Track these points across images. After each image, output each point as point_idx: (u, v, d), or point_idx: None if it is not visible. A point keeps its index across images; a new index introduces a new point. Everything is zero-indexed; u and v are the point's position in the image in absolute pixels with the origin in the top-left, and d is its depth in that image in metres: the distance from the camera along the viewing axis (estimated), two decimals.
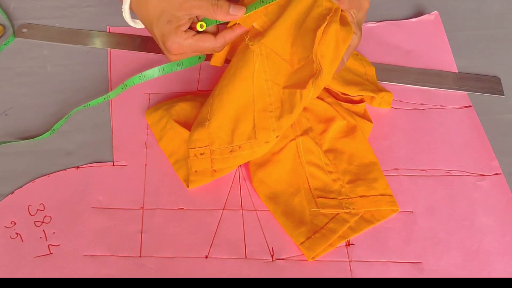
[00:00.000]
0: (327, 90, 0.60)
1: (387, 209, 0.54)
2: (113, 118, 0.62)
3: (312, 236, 0.51)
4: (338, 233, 0.51)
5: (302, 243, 0.51)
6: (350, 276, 0.50)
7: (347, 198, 0.53)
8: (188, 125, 0.57)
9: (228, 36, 0.55)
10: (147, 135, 0.60)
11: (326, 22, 0.51)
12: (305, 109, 0.58)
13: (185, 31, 0.53)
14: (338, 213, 0.53)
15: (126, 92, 0.64)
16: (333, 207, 0.53)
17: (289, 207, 0.54)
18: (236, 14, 0.53)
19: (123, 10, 0.56)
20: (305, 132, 0.57)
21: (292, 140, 0.57)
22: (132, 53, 0.68)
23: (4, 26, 0.71)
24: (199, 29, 0.54)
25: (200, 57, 0.61)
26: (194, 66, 0.66)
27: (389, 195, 0.54)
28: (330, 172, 0.55)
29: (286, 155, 0.56)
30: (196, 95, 0.63)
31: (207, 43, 0.54)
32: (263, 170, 0.56)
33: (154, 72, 0.61)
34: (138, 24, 0.59)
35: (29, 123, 0.61)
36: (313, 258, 0.51)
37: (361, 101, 0.61)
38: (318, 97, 0.58)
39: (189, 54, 0.55)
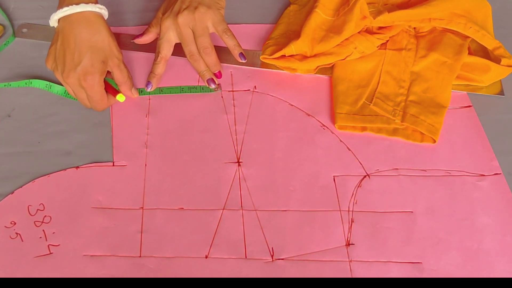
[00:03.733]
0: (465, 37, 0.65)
1: (427, 134, 0.59)
2: (113, 118, 0.62)
3: (352, 115, 0.60)
4: (374, 125, 0.59)
5: (339, 113, 0.60)
6: (350, 276, 0.50)
7: (400, 111, 0.60)
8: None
9: (113, 102, 0.62)
10: (147, 135, 0.60)
11: None
12: (421, 35, 0.66)
13: (102, 80, 0.59)
14: (384, 115, 0.60)
15: None
16: (383, 109, 0.60)
17: (349, 90, 0.62)
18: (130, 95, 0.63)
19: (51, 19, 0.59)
20: (400, 49, 0.65)
21: (382, 49, 0.65)
22: (132, 53, 0.68)
23: (4, 26, 0.71)
24: (118, 99, 0.60)
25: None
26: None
27: (436, 129, 0.59)
28: (402, 87, 0.62)
29: (371, 58, 0.65)
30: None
31: (102, 102, 0.60)
32: (348, 61, 0.64)
33: (59, 90, 0.64)
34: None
35: (30, 123, 0.61)
36: (340, 127, 0.60)
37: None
38: (451, 32, 0.65)
39: (81, 93, 0.59)
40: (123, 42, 0.69)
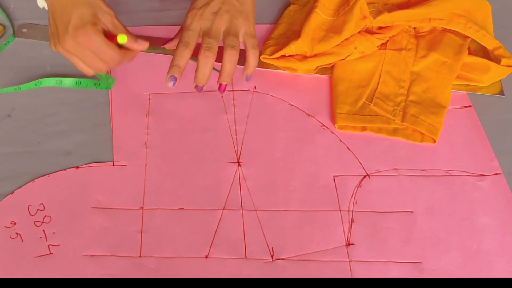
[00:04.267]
0: (465, 37, 0.65)
1: (427, 134, 0.59)
2: (113, 118, 0.62)
3: (352, 115, 0.60)
4: (374, 125, 0.59)
5: (339, 113, 0.60)
6: (350, 276, 0.50)
7: (400, 111, 0.60)
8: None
9: (129, 55, 0.56)
10: (147, 135, 0.60)
11: None
12: (421, 35, 0.66)
13: (99, 30, 0.54)
14: (384, 115, 0.60)
15: (126, 92, 0.64)
16: (383, 109, 0.60)
17: (349, 90, 0.62)
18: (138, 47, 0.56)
19: None
20: (400, 49, 0.65)
21: (382, 49, 0.65)
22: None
23: (4, 26, 0.71)
24: (119, 41, 0.53)
25: (109, 83, 0.63)
26: (193, 66, 0.66)
27: (436, 129, 0.59)
28: (402, 87, 0.62)
29: (371, 58, 0.65)
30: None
31: (111, 50, 0.54)
32: (348, 61, 0.64)
33: (70, 82, 0.63)
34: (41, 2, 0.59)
35: (30, 123, 0.61)
36: (340, 127, 0.60)
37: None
38: (451, 32, 0.65)
39: (86, 54, 0.54)
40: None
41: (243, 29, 0.57)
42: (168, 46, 0.60)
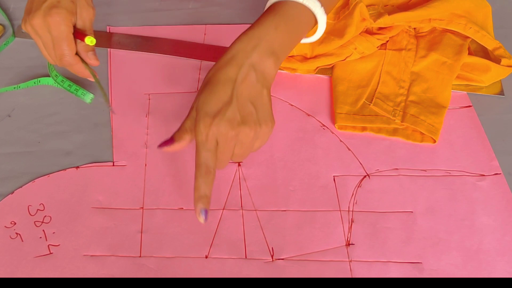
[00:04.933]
0: (465, 37, 0.65)
1: (427, 134, 0.59)
2: (113, 118, 0.62)
3: (352, 115, 0.60)
4: (374, 125, 0.60)
5: (339, 113, 0.60)
6: (350, 276, 0.50)
7: (400, 111, 0.60)
8: None
9: (77, 67, 0.56)
10: (147, 135, 0.60)
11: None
12: (421, 36, 0.66)
13: (71, 21, 0.54)
14: (384, 115, 0.60)
15: (126, 92, 0.64)
16: (383, 109, 0.60)
17: (349, 90, 0.63)
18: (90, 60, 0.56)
19: None
20: (400, 49, 0.65)
21: (382, 49, 0.65)
22: (132, 53, 0.68)
23: (4, 26, 0.71)
24: (87, 41, 0.54)
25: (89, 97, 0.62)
26: (194, 66, 0.67)
27: (436, 129, 0.59)
28: (402, 87, 0.62)
29: (371, 58, 0.65)
30: None
31: (68, 46, 0.54)
32: (348, 61, 0.65)
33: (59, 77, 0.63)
34: None
35: (30, 123, 0.61)
36: (340, 127, 0.60)
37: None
38: (451, 32, 0.65)
39: (46, 38, 0.54)
40: (123, 42, 0.69)
41: (259, 139, 0.49)
42: (166, 150, 0.50)
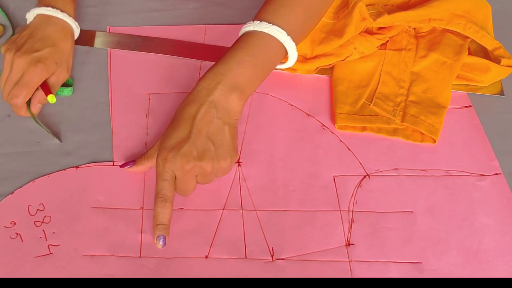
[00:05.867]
0: (465, 37, 0.65)
1: (427, 134, 0.59)
2: (113, 118, 0.62)
3: (352, 115, 0.60)
4: (374, 125, 0.59)
5: (339, 113, 0.60)
6: (350, 276, 0.50)
7: (400, 111, 0.60)
8: None
9: (20, 108, 0.60)
10: (147, 135, 0.60)
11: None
12: (421, 36, 0.66)
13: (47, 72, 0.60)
14: (384, 115, 0.60)
15: (126, 92, 0.64)
16: (383, 109, 0.60)
17: (349, 90, 0.62)
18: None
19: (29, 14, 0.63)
20: (400, 49, 0.65)
21: (382, 49, 0.65)
22: (132, 53, 0.68)
23: (4, 26, 0.71)
24: (49, 99, 0.60)
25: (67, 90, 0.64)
26: (194, 66, 0.67)
27: (436, 129, 0.59)
28: (402, 87, 0.62)
29: (371, 58, 0.65)
30: None
31: (27, 93, 0.59)
32: (348, 61, 0.64)
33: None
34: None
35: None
36: (340, 127, 0.60)
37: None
38: (451, 32, 0.65)
39: (15, 77, 0.59)
40: (123, 42, 0.69)
41: (219, 174, 0.52)
42: (128, 170, 0.56)
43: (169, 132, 0.52)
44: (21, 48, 0.60)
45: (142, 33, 0.70)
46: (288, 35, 0.55)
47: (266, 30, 0.54)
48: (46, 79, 0.60)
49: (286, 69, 0.65)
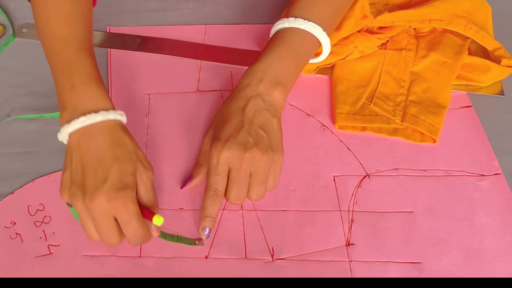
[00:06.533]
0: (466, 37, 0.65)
1: (427, 134, 0.59)
2: None
3: (352, 115, 0.60)
4: (374, 125, 0.59)
5: (339, 113, 0.60)
6: (350, 276, 0.50)
7: (400, 111, 0.60)
8: None
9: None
10: (147, 135, 0.60)
11: None
12: (421, 36, 0.66)
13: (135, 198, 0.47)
14: (384, 115, 0.60)
15: (126, 92, 0.64)
16: (383, 109, 0.60)
17: (349, 90, 0.63)
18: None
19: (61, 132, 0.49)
20: (400, 49, 0.65)
21: (382, 49, 0.65)
22: (132, 53, 0.68)
23: (4, 26, 0.71)
24: (155, 222, 0.47)
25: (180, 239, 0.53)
26: (194, 66, 0.67)
27: (436, 129, 0.59)
28: (402, 87, 0.62)
29: (371, 58, 0.65)
30: None
31: (140, 227, 0.47)
32: (348, 61, 0.64)
33: None
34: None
35: (30, 124, 0.61)
36: (340, 127, 0.60)
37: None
38: (451, 32, 0.65)
39: (107, 221, 0.46)
40: (123, 42, 0.69)
41: (272, 169, 0.51)
42: (188, 187, 0.55)
43: (218, 127, 0.52)
44: (86, 188, 0.46)
45: (142, 33, 0.70)
46: (323, 30, 0.56)
47: (302, 27, 0.56)
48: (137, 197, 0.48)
49: None
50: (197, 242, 0.52)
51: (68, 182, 0.48)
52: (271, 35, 0.58)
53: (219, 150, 0.49)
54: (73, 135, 0.48)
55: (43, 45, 0.53)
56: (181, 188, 0.55)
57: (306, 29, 0.56)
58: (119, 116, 0.49)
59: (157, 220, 0.47)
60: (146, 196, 0.48)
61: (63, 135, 0.49)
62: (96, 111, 0.48)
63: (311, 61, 0.61)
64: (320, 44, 0.58)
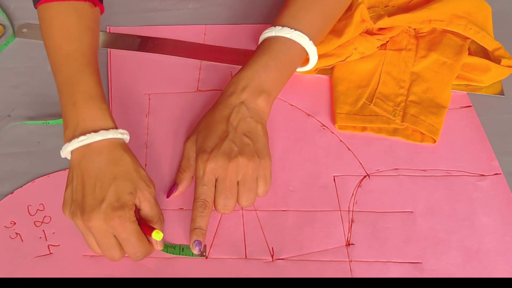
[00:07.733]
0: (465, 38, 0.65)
1: (427, 134, 0.59)
2: (113, 118, 0.61)
3: (352, 115, 0.60)
4: (374, 125, 0.59)
5: (339, 113, 0.60)
6: (350, 276, 0.50)
7: (400, 111, 0.60)
8: None
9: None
10: (147, 135, 0.60)
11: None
12: (421, 36, 0.66)
13: (134, 216, 0.48)
14: (384, 115, 0.60)
15: (126, 92, 0.64)
16: (383, 109, 0.60)
17: (349, 90, 0.62)
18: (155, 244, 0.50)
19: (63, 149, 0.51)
20: (400, 49, 0.65)
21: (382, 49, 0.65)
22: (132, 53, 0.68)
23: (4, 26, 0.71)
24: (154, 236, 0.48)
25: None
26: (194, 66, 0.67)
27: (436, 129, 0.59)
28: (402, 87, 0.62)
29: (371, 58, 0.65)
30: None
31: (140, 244, 0.48)
32: (348, 62, 0.64)
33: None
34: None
35: (30, 123, 0.61)
36: (340, 127, 0.60)
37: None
38: (451, 33, 0.65)
39: (108, 238, 0.47)
40: (123, 42, 0.69)
41: (261, 175, 0.52)
42: (174, 196, 0.54)
43: (203, 136, 0.53)
44: (85, 206, 0.47)
45: (142, 33, 0.70)
46: (310, 40, 0.57)
47: (289, 36, 0.56)
48: (137, 215, 0.50)
49: None
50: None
51: (69, 200, 0.49)
52: (259, 43, 0.58)
53: (204, 161, 0.50)
54: (75, 153, 0.50)
55: (49, 59, 0.55)
56: (167, 197, 0.54)
57: (292, 38, 0.56)
58: (119, 135, 0.50)
59: (157, 235, 0.48)
60: (151, 212, 0.50)
61: (65, 152, 0.50)
62: (96, 131, 0.49)
63: (299, 69, 0.62)
64: (307, 53, 0.58)
